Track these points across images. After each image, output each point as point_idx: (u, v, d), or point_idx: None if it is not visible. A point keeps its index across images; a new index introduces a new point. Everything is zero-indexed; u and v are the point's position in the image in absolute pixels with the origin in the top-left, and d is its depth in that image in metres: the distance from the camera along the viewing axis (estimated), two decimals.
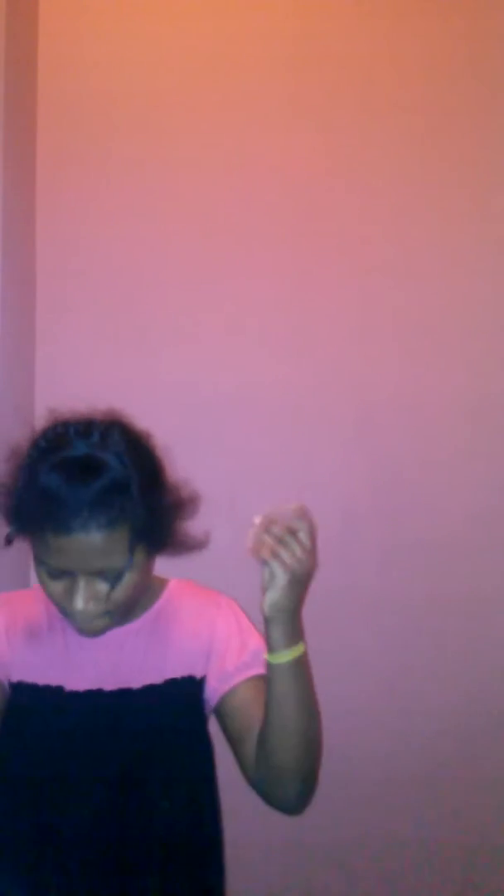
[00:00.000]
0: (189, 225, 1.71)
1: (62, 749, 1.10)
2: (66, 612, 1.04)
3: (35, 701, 1.11)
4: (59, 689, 1.11)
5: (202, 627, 1.17)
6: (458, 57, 1.74)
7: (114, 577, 1.02)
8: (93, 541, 0.98)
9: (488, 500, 1.73)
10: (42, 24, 1.70)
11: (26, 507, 0.99)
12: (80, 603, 1.01)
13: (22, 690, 1.12)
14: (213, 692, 1.15)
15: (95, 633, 1.07)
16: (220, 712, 1.16)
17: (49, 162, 1.70)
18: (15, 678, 1.12)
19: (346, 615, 1.71)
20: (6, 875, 1.08)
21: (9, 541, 1.01)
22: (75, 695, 1.11)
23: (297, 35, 1.72)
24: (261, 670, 1.13)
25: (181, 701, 1.14)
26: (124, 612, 1.09)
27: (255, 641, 1.18)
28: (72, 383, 1.70)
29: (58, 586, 1.03)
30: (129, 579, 1.03)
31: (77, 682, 1.12)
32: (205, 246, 1.72)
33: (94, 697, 1.11)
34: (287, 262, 1.73)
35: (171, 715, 1.13)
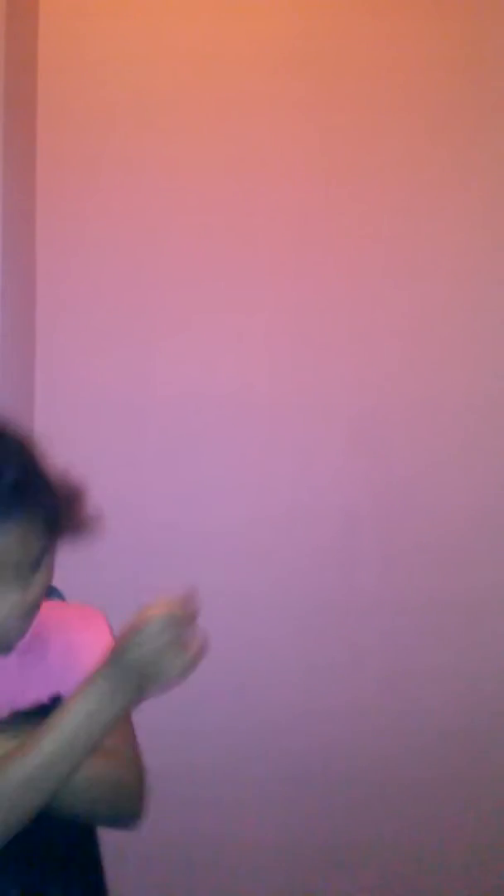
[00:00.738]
0: (189, 225, 1.71)
1: None
2: None
3: None
4: None
5: (63, 648, 1.12)
6: (459, 57, 1.74)
7: (27, 575, 0.99)
8: (8, 538, 0.95)
9: (488, 501, 1.73)
10: (42, 24, 1.70)
11: None
12: (11, 609, 0.97)
13: None
14: None
15: (11, 647, 1.03)
16: None
17: (49, 162, 1.70)
18: None
19: (347, 616, 1.71)
20: None
21: None
22: None
23: (297, 35, 1.72)
24: None
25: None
26: (15, 637, 1.03)
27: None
28: (72, 383, 1.70)
29: None
30: (45, 575, 1.02)
31: None
32: (205, 246, 1.71)
33: None
34: (287, 262, 1.72)
35: None
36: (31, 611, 1.03)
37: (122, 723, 1.05)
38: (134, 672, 0.97)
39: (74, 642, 1.12)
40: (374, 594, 1.72)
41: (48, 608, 1.15)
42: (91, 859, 1.15)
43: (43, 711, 1.06)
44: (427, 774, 1.72)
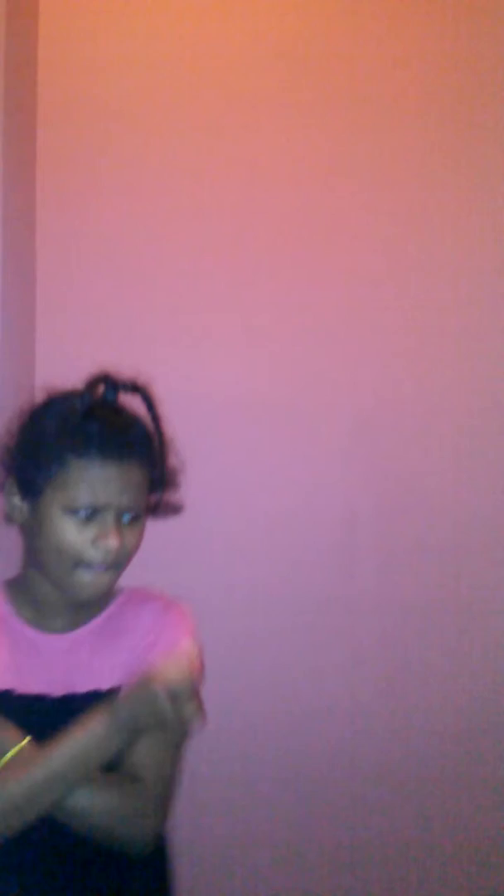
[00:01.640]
0: (189, 225, 1.71)
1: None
2: (83, 561, 1.06)
3: None
4: (7, 694, 1.09)
5: (145, 634, 1.15)
6: (459, 57, 1.74)
7: (131, 521, 1.08)
8: (130, 472, 1.06)
9: (488, 501, 1.73)
10: (42, 24, 1.69)
11: (62, 446, 1.05)
12: (114, 541, 1.04)
13: None
14: None
15: (101, 589, 1.08)
16: None
17: (49, 162, 1.70)
18: None
19: (347, 616, 1.71)
20: None
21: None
22: (23, 698, 1.09)
23: (297, 35, 1.72)
24: None
25: None
26: (121, 572, 1.10)
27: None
28: (72, 383, 1.70)
29: (86, 534, 1.05)
30: (140, 528, 1.09)
31: (27, 685, 1.10)
32: (205, 246, 1.71)
33: (41, 702, 1.09)
34: (287, 262, 1.73)
35: None
36: (117, 562, 1.08)
37: (163, 749, 1.08)
38: (131, 725, 1.02)
39: (149, 638, 1.14)
40: (374, 594, 1.72)
41: (134, 594, 1.19)
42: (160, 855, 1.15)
43: (96, 698, 1.09)
44: (427, 774, 1.72)
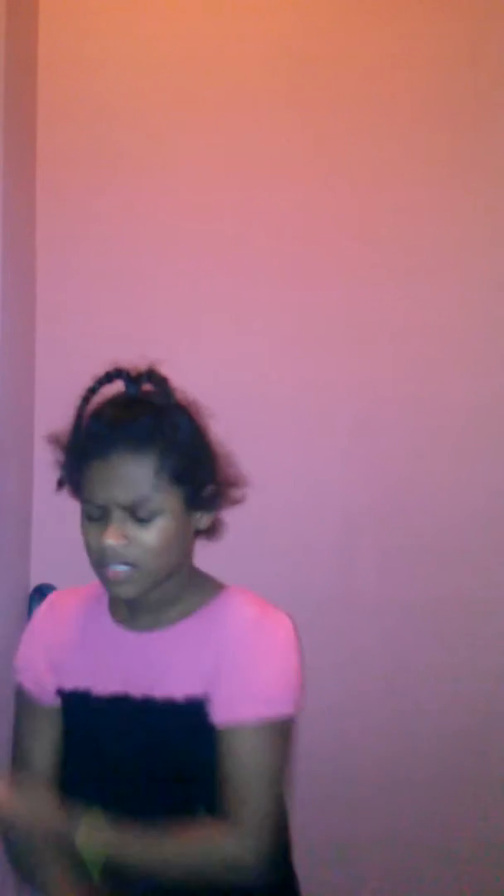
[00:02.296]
0: (189, 225, 1.71)
1: (90, 750, 1.12)
2: (100, 563, 1.05)
3: (67, 703, 1.14)
4: (86, 692, 1.12)
5: (230, 644, 1.09)
6: (459, 57, 1.74)
7: (146, 516, 1.04)
8: (126, 466, 1.03)
9: (488, 501, 1.73)
10: (42, 24, 1.70)
11: (76, 455, 1.07)
12: (108, 537, 1.03)
13: (65, 697, 1.14)
14: (216, 720, 1.08)
15: (127, 588, 1.05)
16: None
17: (49, 162, 1.70)
18: (65, 685, 1.15)
19: (347, 616, 1.71)
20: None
21: (60, 484, 1.10)
22: (99, 699, 1.11)
23: (297, 35, 1.72)
24: (252, 721, 1.06)
25: (195, 717, 1.08)
26: (154, 575, 1.05)
27: (264, 678, 1.09)
28: (72, 383, 1.70)
29: (95, 533, 1.05)
30: (161, 524, 1.05)
31: (105, 683, 1.12)
32: (205, 246, 1.71)
33: (118, 704, 1.10)
34: (287, 262, 1.72)
35: (189, 730, 1.08)
36: (146, 556, 1.04)
37: (270, 783, 1.08)
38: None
39: (235, 648, 1.09)
40: (374, 594, 1.72)
41: (232, 597, 1.16)
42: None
43: (173, 710, 1.08)
44: (427, 773, 1.72)
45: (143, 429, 1.05)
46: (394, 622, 1.71)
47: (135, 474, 1.04)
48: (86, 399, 1.11)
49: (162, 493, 1.04)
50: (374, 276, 1.73)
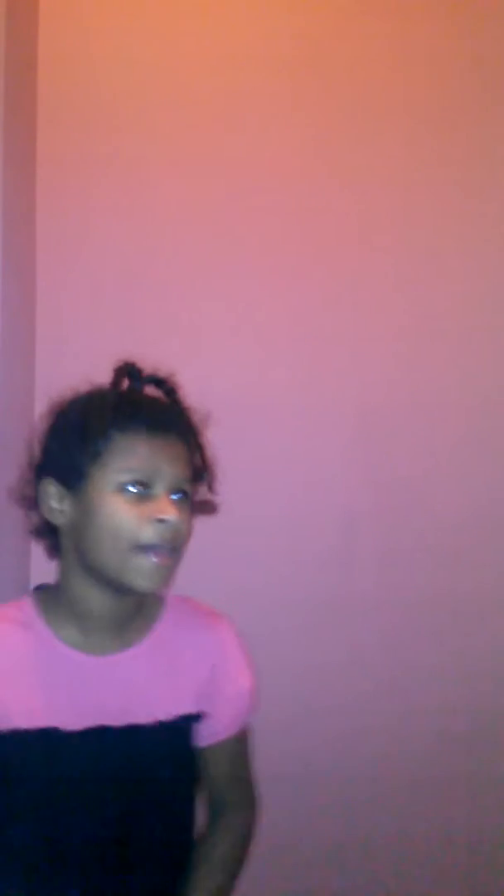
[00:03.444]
0: (189, 225, 1.71)
1: (54, 792, 1.01)
2: (140, 543, 0.97)
3: (25, 748, 0.99)
4: (53, 731, 1.00)
5: (206, 657, 1.11)
6: (459, 57, 1.74)
7: (182, 500, 1.02)
8: (177, 446, 1.02)
9: (488, 501, 1.73)
10: (42, 24, 1.69)
11: (104, 425, 0.99)
12: (173, 512, 0.98)
13: (8, 740, 0.99)
14: (202, 738, 1.11)
15: (163, 576, 0.99)
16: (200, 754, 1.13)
17: (49, 162, 1.70)
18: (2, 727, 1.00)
19: (347, 616, 1.71)
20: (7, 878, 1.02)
21: (44, 467, 1.05)
22: (71, 735, 1.00)
23: (297, 35, 1.72)
24: (244, 722, 1.16)
25: (187, 735, 1.09)
26: (178, 561, 1.02)
27: (248, 683, 1.14)
28: (72, 383, 1.70)
29: (137, 511, 0.97)
30: (189, 512, 1.03)
31: (78, 718, 1.01)
32: (205, 246, 1.71)
33: (95, 736, 1.01)
34: (288, 261, 1.73)
35: (178, 747, 1.08)
36: (176, 543, 1.00)
37: (246, 758, 1.16)
38: None
39: (211, 660, 1.11)
40: (374, 594, 1.72)
41: (179, 606, 1.14)
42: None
43: (161, 732, 1.05)
44: (426, 774, 1.72)
45: (184, 417, 1.06)
46: (394, 622, 1.72)
47: (185, 456, 1.03)
48: (117, 380, 1.07)
49: (191, 482, 1.05)
50: (374, 277, 1.73)
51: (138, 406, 1.02)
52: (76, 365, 1.72)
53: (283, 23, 1.72)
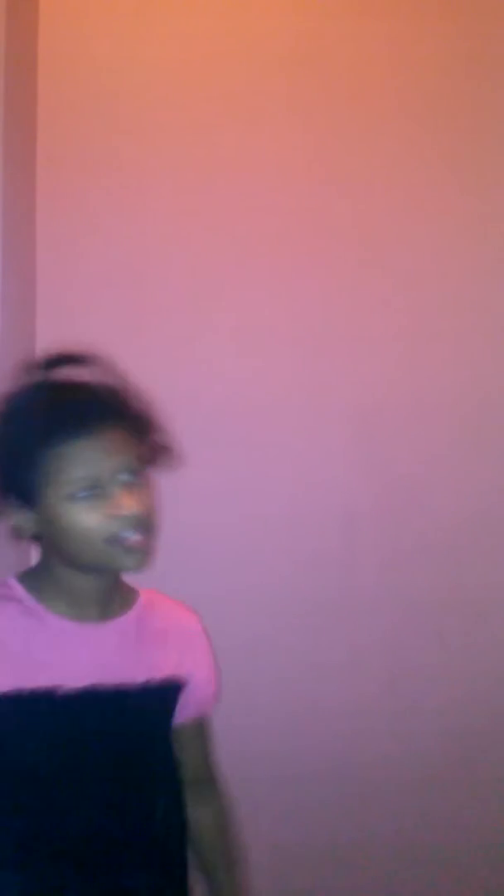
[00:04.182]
0: (189, 224, 1.71)
1: (55, 754, 1.05)
2: (111, 537, 1.01)
3: (22, 709, 1.03)
4: (51, 692, 1.04)
5: (184, 632, 1.18)
6: (459, 57, 1.74)
7: (134, 479, 1.04)
8: (107, 435, 1.03)
9: (488, 501, 1.73)
10: (42, 24, 1.70)
11: (35, 444, 1.02)
12: (129, 504, 1.01)
13: (4, 701, 1.02)
14: (180, 713, 1.17)
15: (145, 555, 1.04)
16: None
17: (49, 162, 1.70)
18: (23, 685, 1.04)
19: (347, 616, 1.71)
20: None
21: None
22: (68, 696, 1.04)
23: (297, 35, 1.72)
24: (210, 707, 1.21)
25: (172, 700, 1.15)
26: (155, 532, 1.06)
27: (213, 670, 1.21)
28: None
29: (96, 512, 1.01)
30: (146, 485, 1.06)
31: (69, 681, 1.05)
32: (205, 247, 1.71)
33: (90, 697, 1.06)
34: (287, 262, 1.73)
35: (165, 713, 1.14)
36: (144, 524, 1.03)
37: (209, 745, 1.21)
38: None
39: (199, 645, 1.18)
40: (374, 594, 1.72)
41: (151, 595, 1.18)
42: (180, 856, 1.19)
43: (152, 692, 1.10)
44: (427, 774, 1.72)
45: (106, 397, 1.07)
46: (394, 622, 1.72)
47: (125, 440, 1.05)
48: (23, 399, 1.07)
49: (136, 452, 1.06)
50: (374, 277, 1.73)
51: (64, 413, 1.03)
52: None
53: (283, 23, 1.72)
